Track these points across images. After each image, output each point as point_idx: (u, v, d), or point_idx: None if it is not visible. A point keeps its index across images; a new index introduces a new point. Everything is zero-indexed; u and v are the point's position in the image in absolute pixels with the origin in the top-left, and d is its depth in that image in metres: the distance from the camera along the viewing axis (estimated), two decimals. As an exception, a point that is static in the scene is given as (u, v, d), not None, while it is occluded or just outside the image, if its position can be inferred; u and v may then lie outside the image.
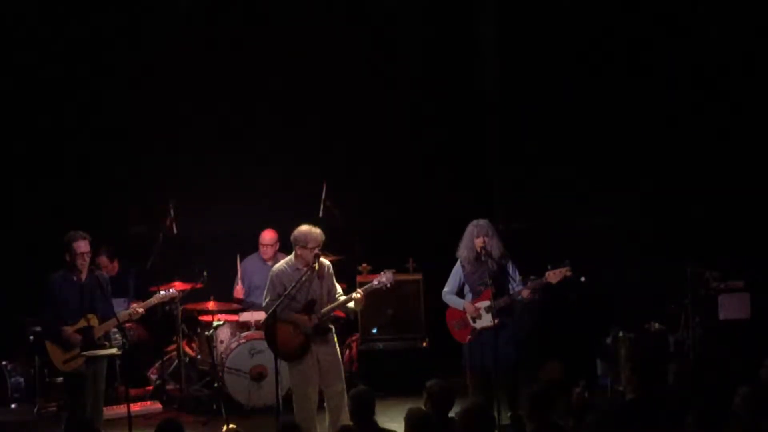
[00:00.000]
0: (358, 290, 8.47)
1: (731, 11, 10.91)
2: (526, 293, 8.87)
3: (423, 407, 6.69)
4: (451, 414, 6.68)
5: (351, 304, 8.47)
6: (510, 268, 9.01)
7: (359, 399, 6.78)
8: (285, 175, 11.33)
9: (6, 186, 11.24)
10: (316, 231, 8.33)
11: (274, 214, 10.81)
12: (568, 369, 9.78)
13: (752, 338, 9.56)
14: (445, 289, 9.18)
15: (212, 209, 11.29)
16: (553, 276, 8.84)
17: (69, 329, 8.28)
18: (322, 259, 8.41)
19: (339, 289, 8.56)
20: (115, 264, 10.71)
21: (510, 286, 8.93)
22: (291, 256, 8.46)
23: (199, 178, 11.34)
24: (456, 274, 9.15)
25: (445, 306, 9.19)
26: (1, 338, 10.59)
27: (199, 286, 10.05)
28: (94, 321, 8.32)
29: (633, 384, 6.76)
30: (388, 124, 11.60)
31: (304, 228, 8.37)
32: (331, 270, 8.52)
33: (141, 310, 8.62)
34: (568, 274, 8.84)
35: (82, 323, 8.30)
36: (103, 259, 10.48)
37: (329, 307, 8.39)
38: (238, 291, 10.53)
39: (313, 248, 8.27)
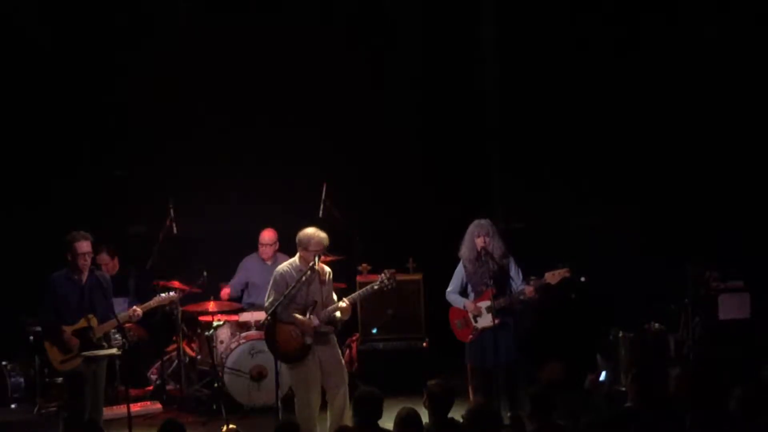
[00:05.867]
0: (344, 299, 8.46)
1: (730, 11, 10.91)
2: (529, 291, 8.87)
3: (423, 406, 6.70)
4: (450, 414, 6.68)
5: (337, 314, 8.44)
6: (512, 267, 9.02)
7: (366, 401, 6.73)
8: (285, 175, 11.33)
9: (6, 186, 11.24)
10: (321, 235, 8.32)
11: (274, 214, 10.82)
12: (568, 369, 9.81)
13: (752, 338, 9.56)
14: (449, 288, 9.20)
15: (212, 209, 11.30)
16: (552, 276, 8.85)
17: (68, 330, 8.28)
18: (323, 265, 8.41)
19: (335, 297, 8.54)
20: (116, 262, 10.70)
21: (512, 286, 8.93)
22: (295, 258, 8.46)
23: (199, 178, 11.34)
24: (459, 273, 9.16)
25: (447, 305, 9.21)
26: (1, 338, 10.58)
27: (197, 290, 10.06)
28: (93, 322, 8.31)
29: (633, 392, 6.74)
30: (389, 124, 11.59)
31: (309, 230, 8.36)
32: (331, 276, 8.52)
33: (139, 312, 8.62)
34: (567, 274, 8.86)
35: (82, 323, 8.29)
36: (104, 257, 10.48)
37: (328, 309, 8.38)
38: (224, 294, 10.50)
39: (315, 251, 8.27)
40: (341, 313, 8.44)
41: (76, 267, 8.31)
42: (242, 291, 10.69)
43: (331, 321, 8.44)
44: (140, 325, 10.25)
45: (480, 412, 6.28)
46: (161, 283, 9.62)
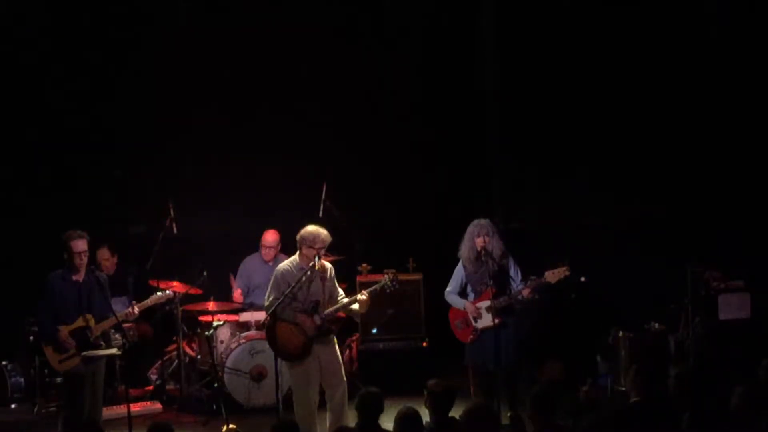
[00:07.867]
0: (363, 292, 8.47)
1: (733, 11, 10.91)
2: (526, 292, 8.87)
3: (424, 407, 6.70)
4: (452, 413, 6.68)
5: (355, 306, 8.45)
6: (511, 268, 9.02)
7: (367, 401, 6.73)
8: (285, 175, 11.33)
9: (6, 186, 11.24)
10: (324, 232, 8.34)
11: (274, 214, 10.82)
12: (568, 369, 9.80)
13: (752, 338, 9.56)
14: (448, 288, 9.19)
15: (212, 209, 11.29)
16: (552, 276, 8.85)
17: (65, 330, 8.28)
18: (324, 262, 8.41)
19: (341, 291, 8.55)
20: (115, 260, 10.69)
21: (512, 286, 8.93)
22: (295, 256, 8.45)
23: (199, 178, 11.34)
24: (458, 273, 9.16)
25: (447, 305, 9.20)
26: (1, 338, 10.59)
27: (196, 291, 10.06)
28: (91, 321, 8.31)
29: (637, 387, 6.74)
30: (388, 124, 11.59)
31: (313, 228, 8.36)
32: (333, 273, 8.52)
33: (136, 310, 8.61)
34: (567, 273, 8.86)
35: (79, 323, 8.29)
36: (105, 252, 10.48)
37: (332, 308, 8.38)
38: (237, 296, 10.52)
39: (320, 249, 8.27)
40: (359, 305, 8.43)
41: (73, 266, 8.31)
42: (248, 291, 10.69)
43: (350, 314, 8.47)
44: (140, 325, 10.26)
45: (477, 412, 6.27)
46: (160, 283, 9.62)
